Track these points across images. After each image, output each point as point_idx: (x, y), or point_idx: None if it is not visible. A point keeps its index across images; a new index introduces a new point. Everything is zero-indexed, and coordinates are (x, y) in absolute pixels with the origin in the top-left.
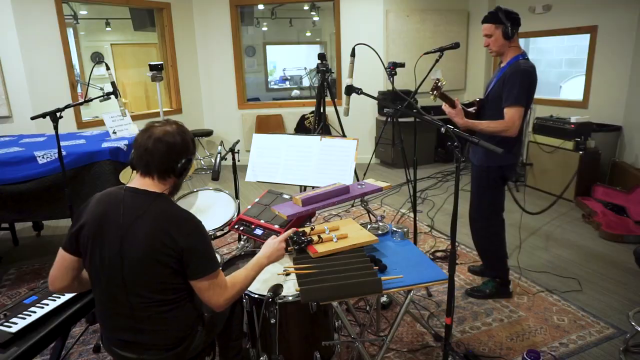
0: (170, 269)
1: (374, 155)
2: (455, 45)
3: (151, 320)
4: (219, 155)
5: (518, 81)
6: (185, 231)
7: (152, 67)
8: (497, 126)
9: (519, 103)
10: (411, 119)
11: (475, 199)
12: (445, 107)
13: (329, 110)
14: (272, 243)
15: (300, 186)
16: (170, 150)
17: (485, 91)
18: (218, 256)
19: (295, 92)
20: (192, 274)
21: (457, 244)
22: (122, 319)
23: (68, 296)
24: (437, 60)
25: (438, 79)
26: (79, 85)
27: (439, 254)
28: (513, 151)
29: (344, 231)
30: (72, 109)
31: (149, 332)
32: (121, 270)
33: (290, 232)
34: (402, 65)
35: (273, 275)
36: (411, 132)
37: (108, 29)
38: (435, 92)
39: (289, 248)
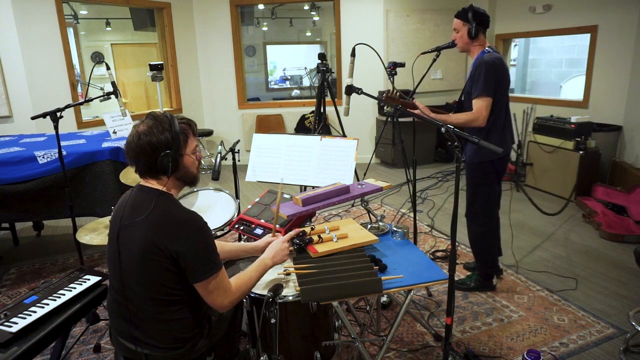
0: (168, 271)
1: (374, 155)
2: (452, 44)
3: (147, 318)
4: (219, 155)
5: (482, 73)
6: (180, 235)
7: (153, 67)
8: (466, 117)
9: (484, 94)
10: (411, 119)
11: (470, 196)
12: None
13: (329, 110)
14: (276, 244)
15: (301, 186)
16: (140, 154)
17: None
18: None
19: (296, 92)
20: (192, 277)
21: (457, 243)
22: (123, 311)
23: (68, 296)
24: (434, 60)
25: (388, 91)
26: (79, 85)
27: (439, 254)
28: (505, 145)
29: (344, 231)
30: (72, 108)
31: (144, 330)
32: (119, 265)
33: (293, 233)
34: (402, 65)
35: (273, 275)
36: (411, 132)
37: (108, 28)
38: (386, 104)
39: (289, 248)
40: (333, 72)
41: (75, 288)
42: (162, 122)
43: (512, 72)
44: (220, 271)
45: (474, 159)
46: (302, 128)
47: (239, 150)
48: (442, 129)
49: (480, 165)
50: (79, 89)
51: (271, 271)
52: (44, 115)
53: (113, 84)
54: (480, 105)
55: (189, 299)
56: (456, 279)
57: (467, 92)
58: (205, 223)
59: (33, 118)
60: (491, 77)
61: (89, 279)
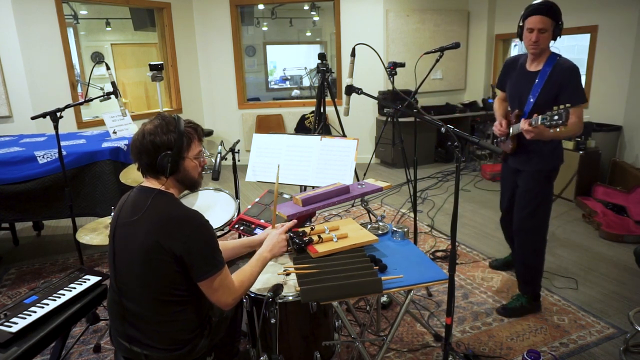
0: (174, 272)
1: (374, 155)
2: (456, 45)
3: (147, 319)
4: (219, 155)
5: (577, 79)
6: (183, 233)
7: (152, 67)
8: (574, 129)
9: (583, 100)
10: (411, 119)
11: (530, 208)
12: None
13: (329, 110)
14: (273, 236)
15: (301, 186)
16: (143, 152)
17: (526, 102)
18: None
19: (295, 92)
20: (196, 275)
21: (457, 243)
22: (122, 311)
23: (68, 296)
24: (437, 60)
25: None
26: (79, 85)
27: (439, 254)
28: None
29: (344, 231)
30: (72, 108)
31: (143, 330)
32: (114, 264)
33: (290, 224)
34: (402, 65)
35: (273, 275)
36: (411, 132)
37: (108, 28)
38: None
39: (288, 248)
40: (333, 72)
41: (75, 288)
42: (168, 123)
43: None
44: (224, 268)
45: (545, 167)
46: (302, 128)
47: (239, 150)
48: (442, 129)
49: (552, 173)
50: (79, 89)
51: (271, 271)
52: (44, 115)
53: (113, 84)
54: (581, 114)
55: (192, 300)
56: (500, 304)
57: (545, 100)
58: (207, 221)
59: (33, 118)
60: (581, 84)
61: (88, 279)
